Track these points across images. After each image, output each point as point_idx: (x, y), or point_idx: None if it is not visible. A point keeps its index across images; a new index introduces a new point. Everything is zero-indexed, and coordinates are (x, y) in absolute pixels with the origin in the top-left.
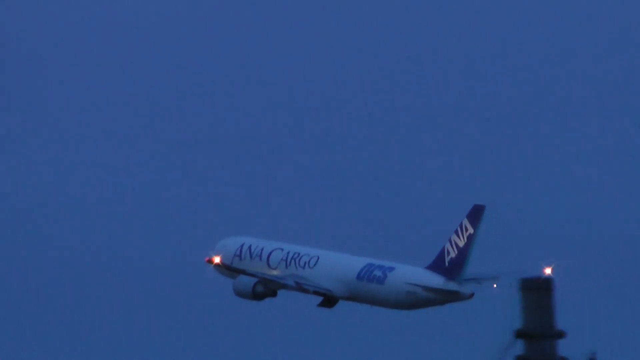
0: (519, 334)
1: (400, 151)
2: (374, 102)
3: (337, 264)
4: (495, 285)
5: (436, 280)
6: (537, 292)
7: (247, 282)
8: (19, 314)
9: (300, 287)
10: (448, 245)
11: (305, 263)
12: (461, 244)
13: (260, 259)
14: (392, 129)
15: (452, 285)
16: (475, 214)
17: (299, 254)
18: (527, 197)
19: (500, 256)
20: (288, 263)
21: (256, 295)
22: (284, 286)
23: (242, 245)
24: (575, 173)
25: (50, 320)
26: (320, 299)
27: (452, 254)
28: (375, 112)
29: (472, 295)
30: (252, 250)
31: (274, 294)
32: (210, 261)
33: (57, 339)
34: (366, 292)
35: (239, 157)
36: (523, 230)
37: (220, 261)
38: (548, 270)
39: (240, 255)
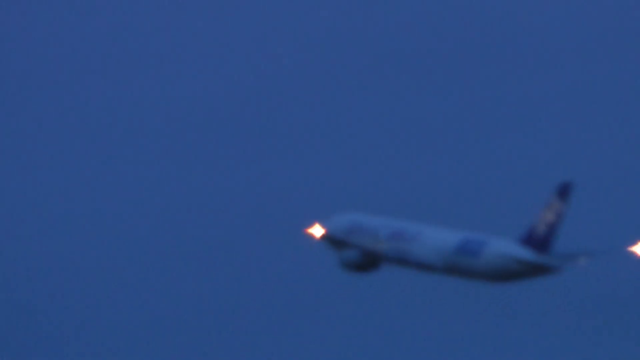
0: None
1: (485, 129)
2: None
3: (436, 238)
4: (584, 261)
5: (527, 254)
6: None
7: (351, 254)
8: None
9: (401, 260)
10: (537, 221)
11: (408, 238)
12: (550, 220)
13: (368, 233)
14: (474, 109)
15: (542, 259)
16: (563, 191)
17: (403, 229)
18: (615, 175)
19: (588, 233)
20: (392, 238)
21: (359, 267)
22: (387, 259)
23: (351, 221)
24: None
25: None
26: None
27: (542, 229)
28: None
29: (561, 268)
30: (361, 225)
31: (376, 266)
32: (311, 233)
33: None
34: (462, 264)
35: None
36: (610, 208)
37: (324, 233)
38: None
39: (349, 230)
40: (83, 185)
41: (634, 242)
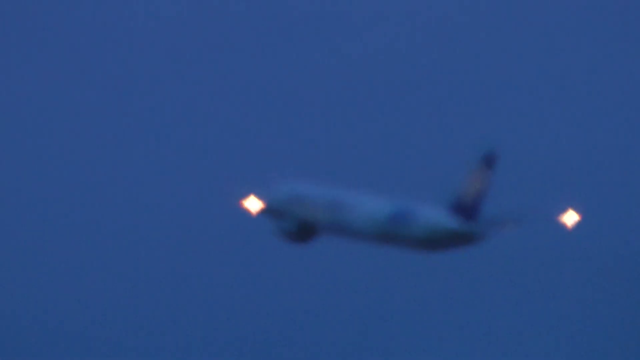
0: None
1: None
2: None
3: (370, 208)
4: (511, 228)
5: (455, 222)
6: None
7: (288, 224)
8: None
9: (337, 229)
10: (464, 189)
11: (343, 207)
12: (476, 188)
13: (305, 203)
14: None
15: (469, 227)
16: (489, 160)
17: (339, 198)
18: (537, 141)
19: (513, 200)
20: (328, 207)
21: (297, 236)
22: (323, 228)
23: (290, 190)
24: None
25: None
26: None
27: (469, 197)
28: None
29: (488, 236)
30: (299, 195)
31: (313, 235)
32: (246, 205)
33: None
34: (394, 232)
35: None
36: (535, 174)
37: (261, 205)
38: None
39: (288, 200)
40: (81, 185)
41: (562, 210)
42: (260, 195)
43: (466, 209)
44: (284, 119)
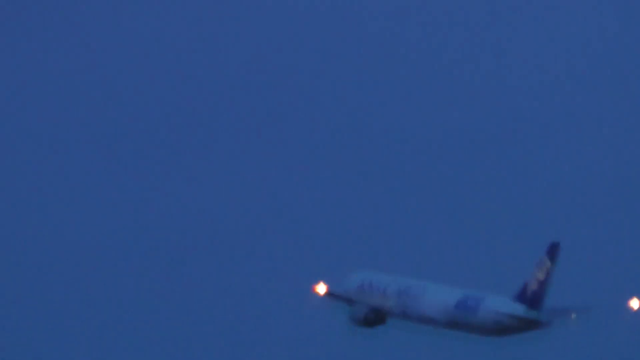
0: None
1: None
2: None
3: (439, 296)
4: (574, 316)
5: (520, 309)
6: None
7: (359, 310)
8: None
9: (406, 315)
10: (530, 279)
11: (413, 295)
12: (541, 277)
13: (377, 291)
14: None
15: (533, 314)
16: (552, 251)
17: (408, 286)
18: (599, 235)
19: (578, 290)
20: (399, 295)
21: (366, 322)
22: (393, 314)
23: (364, 279)
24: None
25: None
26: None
27: (533, 287)
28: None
29: (552, 323)
30: (371, 283)
31: (383, 321)
32: (316, 291)
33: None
34: (461, 319)
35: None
36: (597, 266)
37: (326, 290)
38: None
39: (361, 287)
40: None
41: (627, 298)
42: (332, 283)
43: (531, 298)
44: (355, 210)
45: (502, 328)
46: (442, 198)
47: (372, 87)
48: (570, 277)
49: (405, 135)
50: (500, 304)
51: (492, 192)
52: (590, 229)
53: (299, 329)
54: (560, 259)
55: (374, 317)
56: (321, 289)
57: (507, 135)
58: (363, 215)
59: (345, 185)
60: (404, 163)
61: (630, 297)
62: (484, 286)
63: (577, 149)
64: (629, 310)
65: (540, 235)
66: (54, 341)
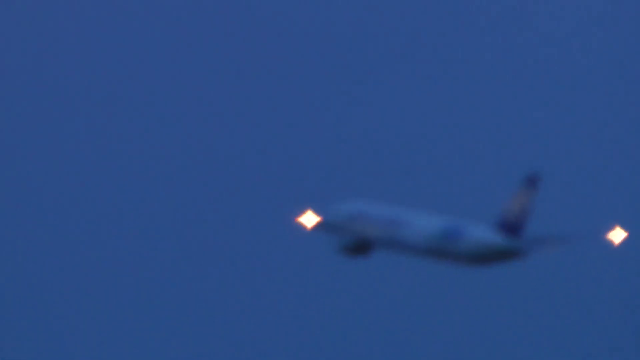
0: None
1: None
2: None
3: (423, 225)
4: (555, 246)
5: (500, 239)
6: None
7: (347, 238)
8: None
9: (392, 244)
10: (508, 208)
11: (399, 225)
12: (520, 207)
13: (365, 221)
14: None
15: (512, 243)
16: (531, 181)
17: (395, 216)
18: (578, 166)
19: (560, 220)
20: (385, 225)
21: (354, 250)
22: (380, 243)
23: (353, 209)
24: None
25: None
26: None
27: (513, 216)
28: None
29: (533, 253)
30: (360, 213)
31: (370, 250)
32: (302, 221)
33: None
34: (444, 248)
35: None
36: (581, 197)
37: (319, 221)
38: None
39: (350, 218)
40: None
41: (607, 229)
42: (320, 213)
43: (511, 227)
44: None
45: (483, 257)
46: (429, 130)
47: None
48: (553, 207)
49: (380, 59)
50: (482, 233)
51: (478, 124)
52: (575, 160)
53: (285, 257)
54: (544, 189)
55: (362, 246)
56: (310, 219)
57: (488, 65)
58: (346, 145)
59: (326, 114)
60: (391, 95)
61: (612, 228)
62: (468, 215)
63: (559, 83)
64: (609, 241)
65: (525, 166)
66: (53, 341)
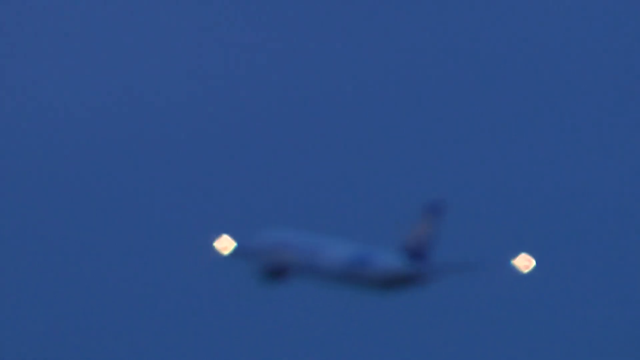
0: None
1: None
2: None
3: (335, 252)
4: (460, 272)
5: (404, 263)
6: None
7: (264, 264)
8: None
9: (306, 269)
10: (411, 234)
11: (314, 252)
12: (423, 233)
13: (282, 247)
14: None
15: (416, 268)
16: (433, 209)
17: (311, 244)
18: (485, 192)
19: (467, 246)
20: (301, 252)
21: (271, 276)
22: (295, 270)
23: (274, 237)
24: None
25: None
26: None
27: (416, 242)
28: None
29: (434, 278)
30: (280, 240)
31: (285, 276)
32: (218, 246)
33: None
34: (354, 273)
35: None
36: (484, 224)
37: (233, 246)
38: (522, 259)
39: (271, 245)
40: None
41: (515, 255)
42: (238, 239)
43: (414, 253)
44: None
45: (388, 281)
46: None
47: None
48: (461, 233)
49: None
50: (387, 258)
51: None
52: (481, 187)
53: (201, 285)
54: (453, 215)
55: (279, 271)
56: (225, 243)
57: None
58: (257, 173)
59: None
60: (303, 120)
61: (517, 254)
62: (378, 241)
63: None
64: (515, 267)
65: (435, 192)
66: (53, 341)
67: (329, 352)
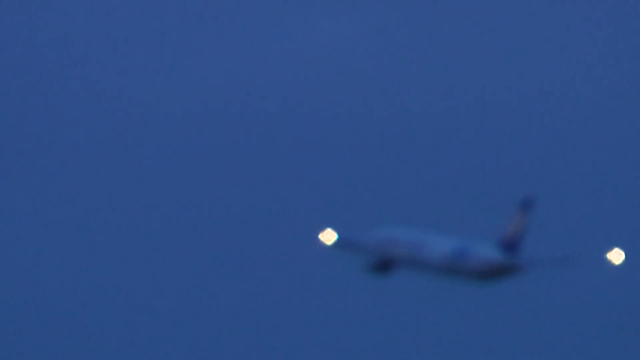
0: None
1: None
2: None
3: (437, 246)
4: (554, 265)
5: (499, 256)
6: None
7: (371, 258)
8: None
9: (411, 263)
10: (507, 228)
11: (417, 246)
12: (517, 228)
13: (390, 242)
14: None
15: (510, 260)
16: (526, 203)
17: (415, 238)
18: (573, 188)
19: (561, 240)
20: (406, 244)
21: (377, 269)
22: (400, 263)
23: (383, 232)
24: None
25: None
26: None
27: (510, 236)
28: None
29: (528, 269)
30: (390, 236)
31: (391, 268)
32: (322, 239)
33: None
34: (455, 266)
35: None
36: (580, 218)
37: (331, 238)
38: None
39: (380, 240)
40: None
41: (608, 249)
42: (345, 233)
43: (509, 245)
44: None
45: (487, 273)
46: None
47: None
48: (554, 227)
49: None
50: (485, 251)
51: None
52: (574, 182)
53: (308, 277)
54: (544, 210)
55: (386, 265)
56: (329, 236)
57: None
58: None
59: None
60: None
61: (611, 248)
62: (476, 236)
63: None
64: (608, 261)
65: (528, 188)
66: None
67: (430, 340)
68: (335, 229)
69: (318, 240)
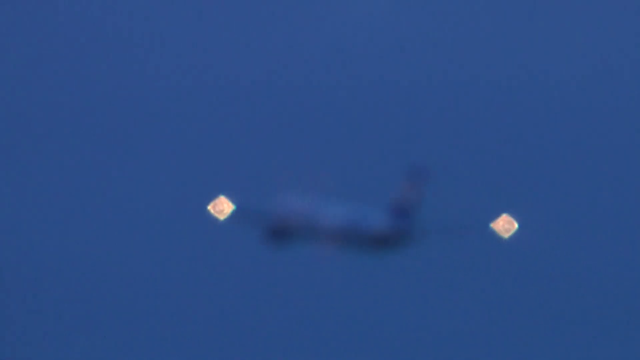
0: None
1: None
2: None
3: (331, 214)
4: (445, 234)
5: (390, 224)
6: None
7: (270, 224)
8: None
9: (306, 230)
10: (398, 197)
11: (313, 214)
12: (408, 197)
13: (285, 211)
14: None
15: (402, 229)
16: (415, 174)
17: (310, 207)
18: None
19: (451, 208)
20: (302, 214)
21: (274, 237)
22: (296, 230)
23: (286, 201)
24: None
25: None
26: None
27: (401, 205)
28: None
29: (419, 237)
30: (290, 206)
31: (289, 236)
32: (215, 209)
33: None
34: (349, 233)
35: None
36: (466, 187)
37: (226, 209)
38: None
39: (272, 208)
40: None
41: (496, 216)
42: (238, 202)
43: (400, 213)
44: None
45: (378, 241)
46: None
47: None
48: (444, 197)
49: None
50: (378, 219)
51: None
52: (466, 152)
53: (208, 242)
54: (434, 180)
55: (282, 231)
56: (223, 206)
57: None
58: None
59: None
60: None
61: (501, 219)
62: (369, 202)
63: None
64: (497, 232)
65: (425, 159)
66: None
67: (325, 310)
68: (231, 198)
69: (209, 212)
